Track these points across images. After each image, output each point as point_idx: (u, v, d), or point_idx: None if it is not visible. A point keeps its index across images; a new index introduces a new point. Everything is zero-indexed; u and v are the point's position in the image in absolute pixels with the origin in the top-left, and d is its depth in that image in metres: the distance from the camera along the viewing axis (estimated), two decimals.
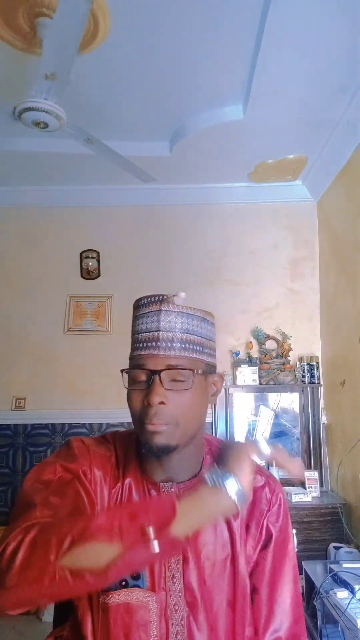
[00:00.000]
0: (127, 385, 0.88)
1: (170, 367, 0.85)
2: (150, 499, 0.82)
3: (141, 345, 0.87)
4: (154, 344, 0.86)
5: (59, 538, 0.67)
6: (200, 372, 0.88)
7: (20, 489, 0.85)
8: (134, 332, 0.91)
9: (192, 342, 0.88)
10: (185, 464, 0.92)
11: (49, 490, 0.81)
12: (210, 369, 0.93)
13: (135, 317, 0.92)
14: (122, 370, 0.90)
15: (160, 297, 0.89)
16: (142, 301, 0.91)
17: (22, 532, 0.69)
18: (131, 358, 0.91)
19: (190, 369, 0.86)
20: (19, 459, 3.31)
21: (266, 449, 0.78)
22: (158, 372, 0.84)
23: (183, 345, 0.87)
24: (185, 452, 0.89)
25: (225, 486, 0.72)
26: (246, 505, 0.74)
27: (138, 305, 0.92)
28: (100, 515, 0.69)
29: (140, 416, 0.85)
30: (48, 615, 2.70)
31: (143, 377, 0.86)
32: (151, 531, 0.66)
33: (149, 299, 0.90)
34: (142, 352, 0.87)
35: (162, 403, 0.83)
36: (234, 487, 0.72)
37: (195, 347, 0.88)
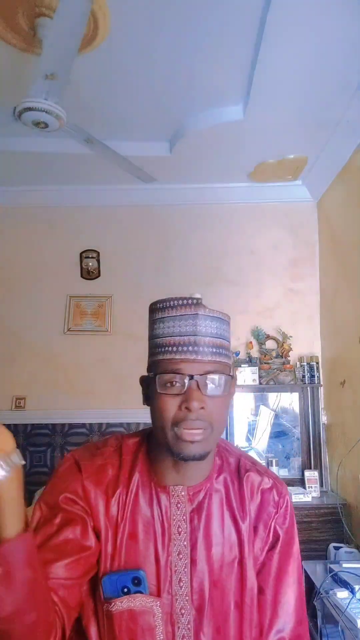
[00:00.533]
0: (159, 389, 0.85)
1: (208, 373, 0.85)
2: None
3: (175, 348, 0.85)
4: (190, 348, 0.84)
5: None
6: (232, 376, 0.89)
7: None
8: (162, 335, 0.87)
9: (223, 346, 0.88)
10: (200, 467, 0.92)
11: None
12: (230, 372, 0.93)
13: (162, 319, 0.88)
14: (155, 374, 0.87)
15: (194, 300, 0.87)
16: (171, 303, 0.87)
17: None
18: (160, 362, 0.87)
19: (224, 374, 0.86)
20: None
21: None
22: (197, 377, 0.83)
23: (217, 350, 0.86)
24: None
25: None
26: (9, 463, 0.70)
27: (164, 307, 0.88)
28: None
29: (175, 421, 0.83)
30: None
31: (178, 382, 0.84)
32: None
33: (180, 302, 0.87)
34: (177, 357, 0.84)
35: (202, 408, 0.83)
36: None
37: (225, 352, 0.88)
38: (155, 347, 0.89)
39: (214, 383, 0.85)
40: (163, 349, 0.87)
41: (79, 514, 0.86)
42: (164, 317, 0.88)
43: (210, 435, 0.85)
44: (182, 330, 0.85)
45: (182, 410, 0.83)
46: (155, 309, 0.90)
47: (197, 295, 0.88)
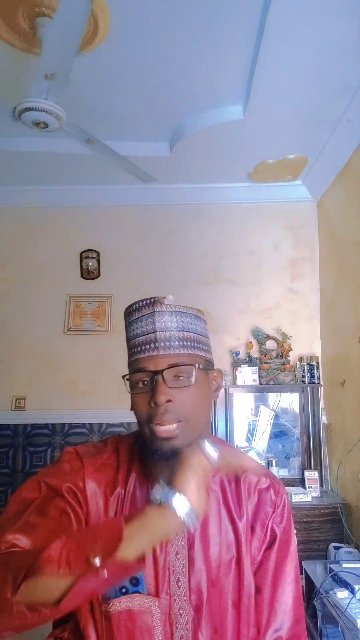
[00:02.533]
0: (129, 390, 0.87)
1: (171, 366, 0.86)
2: (100, 524, 0.80)
3: (139, 348, 0.87)
4: (152, 345, 0.86)
5: (14, 573, 0.68)
6: (200, 367, 0.89)
7: (6, 505, 0.86)
8: (130, 338, 0.91)
9: (189, 339, 0.89)
10: None
11: (30, 509, 0.82)
12: (209, 365, 0.93)
13: (129, 324, 0.91)
14: (123, 377, 0.89)
15: (152, 300, 0.89)
16: (133, 307, 0.91)
17: None
18: (130, 364, 0.90)
19: (191, 364, 0.87)
20: (19, 459, 3.31)
21: (213, 453, 0.76)
22: (160, 372, 0.84)
23: (181, 343, 0.87)
24: None
25: (172, 505, 0.70)
26: (196, 523, 0.72)
27: (129, 311, 0.92)
28: (52, 546, 0.69)
29: (149, 418, 0.84)
30: None
31: (146, 380, 0.86)
32: (97, 560, 0.67)
33: (140, 304, 0.90)
34: (141, 355, 0.87)
35: (169, 401, 0.83)
36: (182, 505, 0.70)
37: (192, 344, 0.89)
38: (128, 350, 0.92)
39: (179, 375, 0.86)
40: (131, 351, 0.90)
41: (76, 508, 0.87)
42: (130, 321, 0.91)
43: (186, 428, 0.85)
44: (143, 330, 0.88)
45: (152, 407, 0.84)
46: (125, 314, 0.94)
47: (169, 297, 0.89)
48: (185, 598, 0.87)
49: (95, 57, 2.20)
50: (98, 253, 3.54)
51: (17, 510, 0.83)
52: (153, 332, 0.86)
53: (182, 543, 0.89)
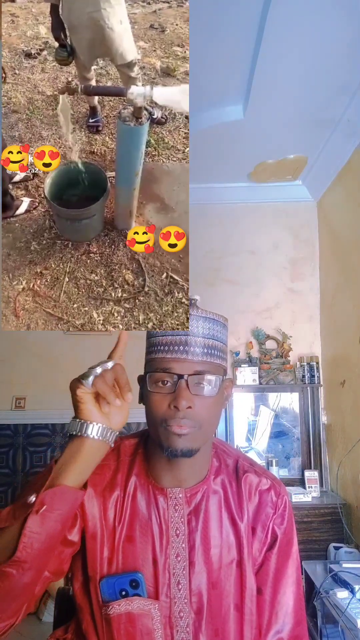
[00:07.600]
0: (150, 388, 0.87)
1: (197, 373, 0.85)
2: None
3: (166, 347, 0.86)
4: (181, 348, 0.85)
5: None
6: (224, 378, 0.89)
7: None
8: (157, 334, 0.89)
9: (216, 347, 0.89)
10: (196, 467, 0.92)
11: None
12: (225, 374, 0.93)
13: None
14: (146, 373, 0.89)
15: (189, 302, 0.89)
16: None
17: None
18: (152, 360, 0.89)
19: (214, 375, 0.87)
20: (19, 459, 3.31)
21: (88, 384, 0.81)
22: (186, 376, 0.84)
23: (208, 351, 0.87)
24: (198, 456, 0.88)
25: (86, 433, 0.76)
26: (115, 437, 0.79)
27: None
28: (4, 510, 0.74)
29: (165, 419, 0.84)
30: (48, 616, 2.70)
31: (167, 380, 0.86)
32: (32, 498, 0.71)
33: None
34: (168, 356, 0.86)
35: (189, 407, 0.83)
36: (94, 430, 0.77)
37: (217, 353, 0.89)
38: (150, 346, 0.91)
39: (203, 383, 0.86)
40: (156, 348, 0.88)
41: None
42: None
43: (197, 432, 0.85)
44: (175, 330, 0.88)
45: (171, 409, 0.84)
46: None
47: (196, 297, 0.90)
48: (185, 601, 0.86)
49: None
50: None
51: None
52: (185, 335, 0.86)
53: (183, 545, 0.88)
